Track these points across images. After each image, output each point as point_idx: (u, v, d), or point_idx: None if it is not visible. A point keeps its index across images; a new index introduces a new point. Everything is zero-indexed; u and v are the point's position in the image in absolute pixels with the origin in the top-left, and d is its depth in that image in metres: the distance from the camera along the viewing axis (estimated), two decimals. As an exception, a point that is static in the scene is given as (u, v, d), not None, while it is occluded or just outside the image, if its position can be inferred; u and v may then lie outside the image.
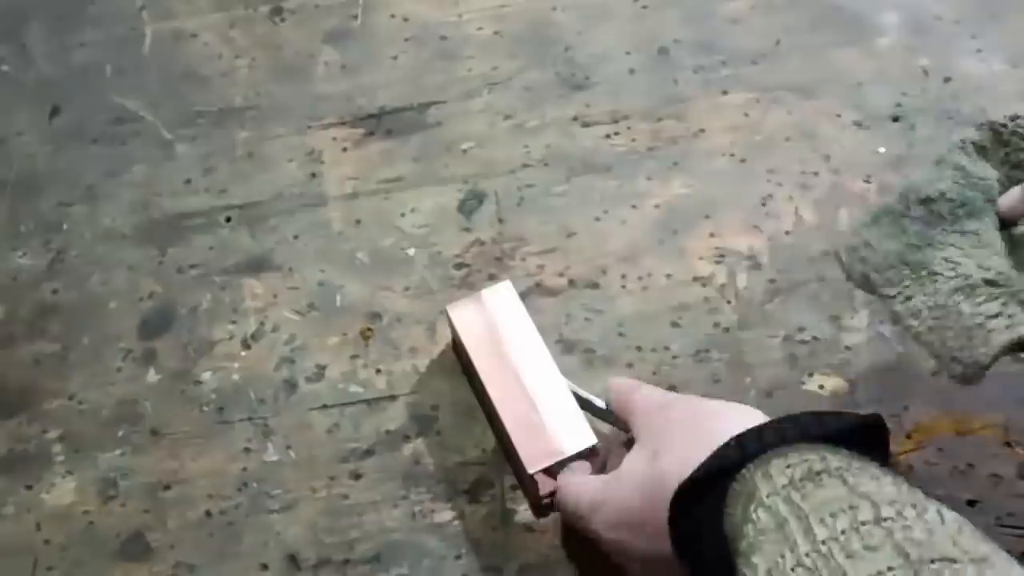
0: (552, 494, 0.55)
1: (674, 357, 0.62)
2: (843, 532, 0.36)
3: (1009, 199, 0.49)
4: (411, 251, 0.67)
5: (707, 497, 0.43)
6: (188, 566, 0.58)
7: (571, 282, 0.65)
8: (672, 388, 0.60)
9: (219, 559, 0.58)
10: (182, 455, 0.62)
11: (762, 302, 0.64)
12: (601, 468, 0.55)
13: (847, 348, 0.62)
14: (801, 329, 0.63)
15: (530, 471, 0.55)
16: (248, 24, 0.78)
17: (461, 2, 0.78)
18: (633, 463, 0.49)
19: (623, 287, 0.65)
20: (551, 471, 0.55)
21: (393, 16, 0.78)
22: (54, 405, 0.64)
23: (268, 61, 0.76)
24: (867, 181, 0.68)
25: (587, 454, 0.55)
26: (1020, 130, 0.50)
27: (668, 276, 0.65)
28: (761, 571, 0.37)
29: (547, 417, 0.56)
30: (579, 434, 0.55)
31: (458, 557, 0.57)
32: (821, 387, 0.61)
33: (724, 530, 0.42)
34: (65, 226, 0.70)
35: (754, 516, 0.40)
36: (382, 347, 0.64)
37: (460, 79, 0.74)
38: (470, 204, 0.69)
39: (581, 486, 0.52)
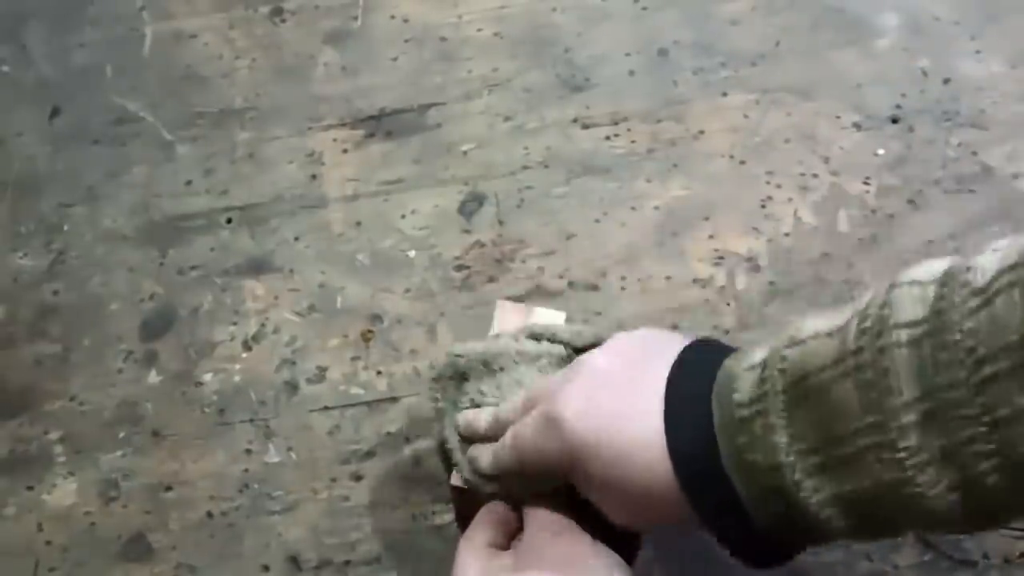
0: (463, 515, 0.54)
1: (674, 359, 0.63)
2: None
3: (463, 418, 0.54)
4: (411, 253, 0.68)
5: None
6: (189, 567, 0.58)
7: (571, 284, 0.66)
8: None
9: (220, 560, 0.59)
10: (183, 456, 0.62)
11: (761, 304, 0.64)
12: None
13: (846, 350, 0.62)
14: (800, 331, 0.63)
15: (452, 482, 0.54)
16: (248, 25, 0.78)
17: (461, 3, 0.78)
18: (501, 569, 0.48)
19: (623, 289, 0.65)
20: (468, 493, 0.53)
21: (393, 17, 0.78)
22: (55, 406, 0.64)
23: (268, 62, 0.76)
24: (866, 183, 0.68)
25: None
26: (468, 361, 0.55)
27: (668, 278, 0.65)
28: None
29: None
30: None
31: (458, 558, 0.58)
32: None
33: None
34: (66, 227, 0.70)
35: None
36: (383, 349, 0.64)
37: (460, 80, 0.74)
38: (470, 206, 0.69)
39: (472, 548, 0.50)
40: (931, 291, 0.38)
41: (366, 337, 0.65)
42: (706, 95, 0.72)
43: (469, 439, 0.54)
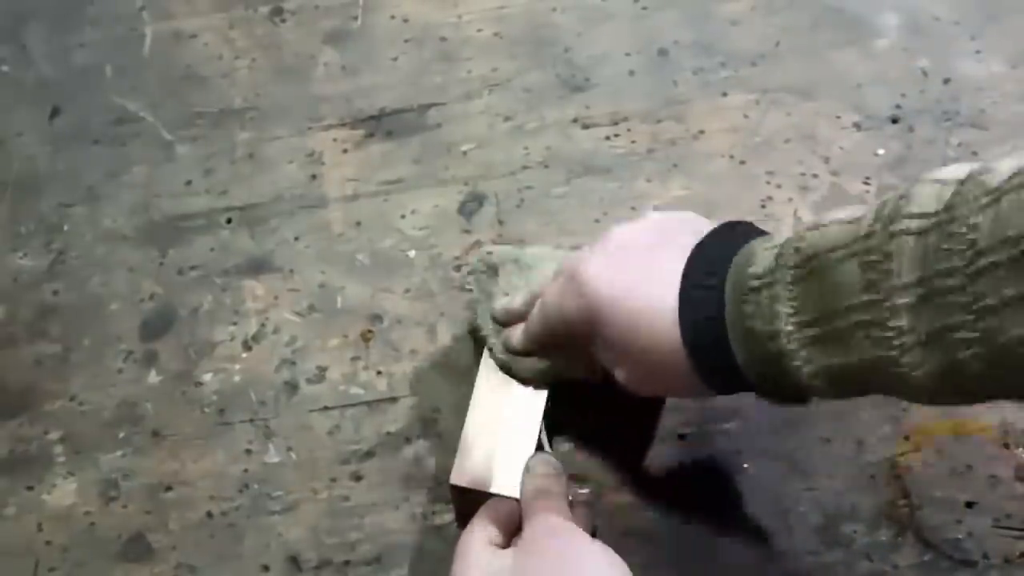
0: (462, 513, 0.55)
1: (674, 359, 0.63)
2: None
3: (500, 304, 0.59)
4: (411, 253, 0.68)
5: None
6: (189, 567, 0.58)
7: (571, 284, 0.66)
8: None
9: (220, 560, 0.59)
10: (183, 456, 0.62)
11: (761, 304, 0.64)
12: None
13: (846, 350, 0.62)
14: (800, 331, 0.63)
15: (452, 481, 0.54)
16: (248, 25, 0.78)
17: (461, 3, 0.78)
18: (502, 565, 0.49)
19: (623, 289, 0.65)
20: (468, 492, 0.54)
21: (393, 17, 0.78)
22: (55, 406, 0.64)
23: (268, 62, 0.76)
24: (866, 183, 0.68)
25: (508, 501, 0.54)
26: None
27: (668, 278, 0.65)
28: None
29: (502, 451, 0.55)
30: (513, 482, 0.54)
31: (458, 558, 0.58)
32: (820, 389, 0.61)
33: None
34: (66, 227, 0.70)
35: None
36: (383, 349, 0.64)
37: (460, 80, 0.74)
38: (470, 206, 0.69)
39: (471, 547, 0.50)
40: (949, 189, 0.39)
41: (366, 337, 0.65)
42: (706, 95, 0.72)
43: (505, 322, 0.58)
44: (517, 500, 0.53)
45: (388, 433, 0.62)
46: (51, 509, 0.61)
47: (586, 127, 0.72)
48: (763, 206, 0.67)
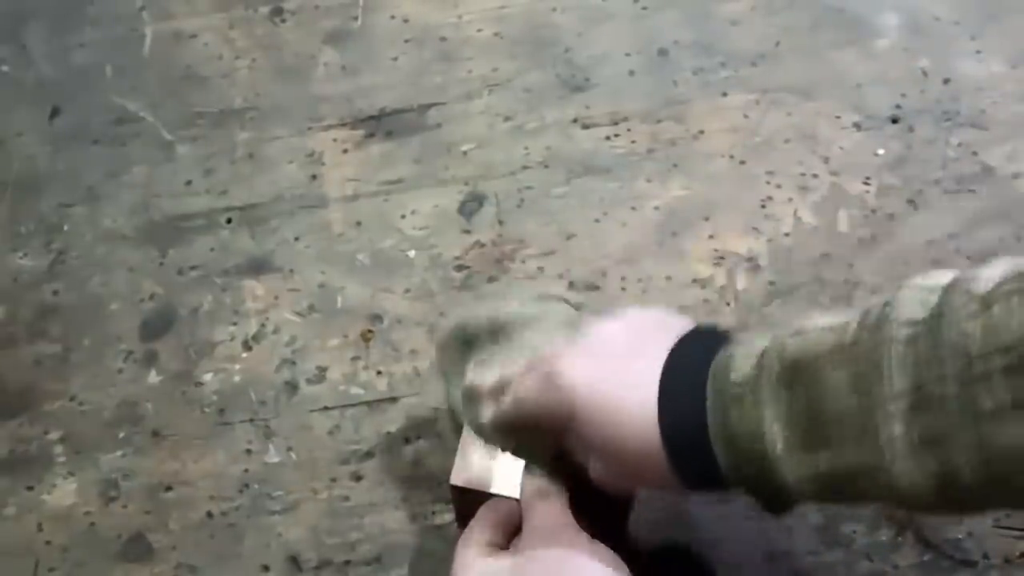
0: (462, 513, 0.55)
1: (674, 359, 0.63)
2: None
3: None
4: (411, 253, 0.68)
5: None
6: (189, 567, 0.58)
7: (571, 284, 0.66)
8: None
9: (220, 560, 0.59)
10: (183, 456, 0.62)
11: (761, 304, 0.64)
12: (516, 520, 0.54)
13: (846, 350, 0.62)
14: (800, 331, 0.63)
15: (452, 481, 0.54)
16: (248, 25, 0.78)
17: (461, 3, 0.78)
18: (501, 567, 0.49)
19: (623, 289, 0.65)
20: (468, 493, 0.54)
21: (393, 17, 0.78)
22: (55, 406, 0.64)
23: (268, 62, 0.76)
24: (866, 183, 0.68)
25: (508, 502, 0.53)
26: None
27: (668, 278, 0.65)
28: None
29: (502, 452, 0.54)
30: (513, 482, 0.53)
31: (459, 558, 0.58)
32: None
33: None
34: (66, 227, 0.70)
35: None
36: (383, 349, 0.64)
37: (460, 80, 0.74)
38: (470, 206, 0.69)
39: (471, 548, 0.50)
40: (935, 296, 0.39)
41: (366, 337, 0.65)
42: (706, 95, 0.72)
43: (476, 398, 0.54)
44: (517, 500, 0.53)
45: (388, 433, 0.62)
46: (51, 509, 0.61)
47: (586, 127, 0.72)
48: (763, 206, 0.67)
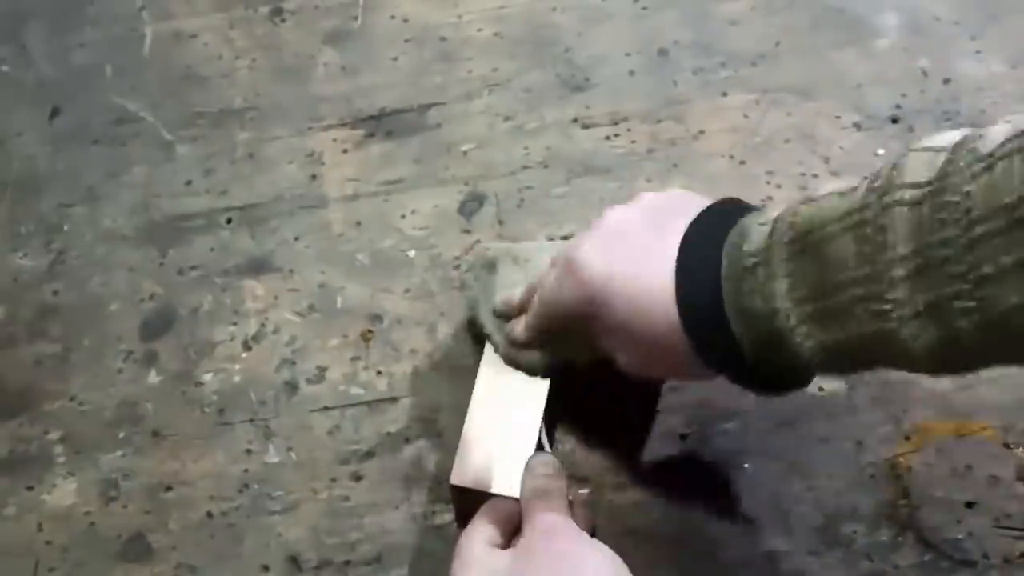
0: (462, 513, 0.55)
1: (674, 359, 0.63)
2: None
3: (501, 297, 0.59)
4: (411, 253, 0.68)
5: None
6: (189, 567, 0.58)
7: (571, 284, 0.66)
8: (672, 389, 0.61)
9: (220, 560, 0.59)
10: (183, 456, 0.62)
11: (761, 304, 0.64)
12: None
13: (846, 350, 0.62)
14: (800, 331, 0.63)
15: (452, 481, 0.55)
16: (248, 25, 0.78)
17: (461, 3, 0.78)
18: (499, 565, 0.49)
19: (623, 289, 0.65)
20: (468, 492, 0.54)
21: (393, 17, 0.78)
22: (55, 406, 0.64)
23: (268, 62, 0.76)
24: (866, 183, 0.68)
25: (508, 502, 0.54)
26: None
27: (668, 278, 0.65)
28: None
29: (502, 451, 0.55)
30: (513, 482, 0.54)
31: (458, 558, 0.58)
32: (820, 389, 0.61)
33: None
34: (66, 227, 0.70)
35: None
36: (383, 349, 0.64)
37: (460, 80, 0.74)
38: (470, 206, 0.69)
39: (471, 547, 0.51)
40: (941, 157, 0.39)
41: (366, 337, 0.65)
42: (706, 95, 0.72)
43: (507, 316, 0.58)
44: (517, 500, 0.53)
45: (388, 433, 0.62)
46: (51, 509, 0.61)
47: (586, 127, 0.72)
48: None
